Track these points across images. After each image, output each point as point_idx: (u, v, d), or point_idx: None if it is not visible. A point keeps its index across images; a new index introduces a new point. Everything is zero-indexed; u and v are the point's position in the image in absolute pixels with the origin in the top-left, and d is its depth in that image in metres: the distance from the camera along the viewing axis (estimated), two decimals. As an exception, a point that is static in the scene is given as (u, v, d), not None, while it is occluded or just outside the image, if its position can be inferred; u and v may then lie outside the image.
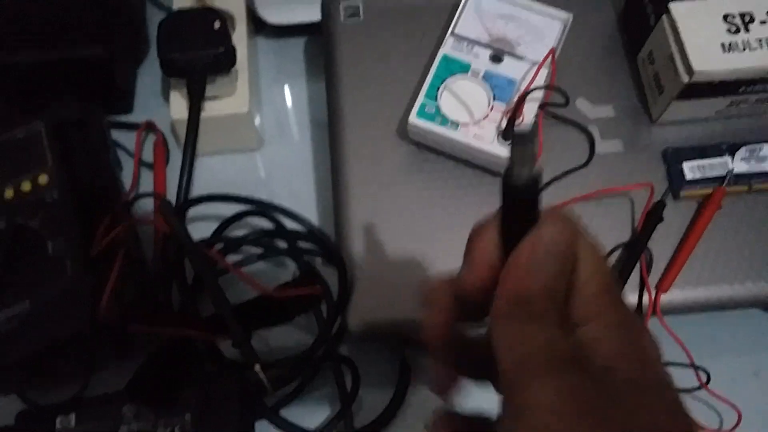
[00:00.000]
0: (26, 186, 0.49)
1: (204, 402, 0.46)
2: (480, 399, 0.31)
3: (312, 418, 0.51)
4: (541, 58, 0.49)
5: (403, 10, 0.56)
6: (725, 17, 0.48)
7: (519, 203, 0.26)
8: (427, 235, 0.50)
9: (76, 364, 0.47)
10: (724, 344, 0.54)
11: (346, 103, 0.53)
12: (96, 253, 0.46)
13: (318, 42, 0.58)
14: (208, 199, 0.52)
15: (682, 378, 0.50)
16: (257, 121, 0.61)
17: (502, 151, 0.48)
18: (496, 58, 0.50)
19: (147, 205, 0.55)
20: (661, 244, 0.49)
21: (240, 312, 0.47)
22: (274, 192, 0.59)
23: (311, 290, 0.48)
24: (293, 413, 0.51)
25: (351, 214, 0.51)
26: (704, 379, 0.50)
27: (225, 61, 0.53)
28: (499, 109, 0.49)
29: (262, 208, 0.53)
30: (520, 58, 0.50)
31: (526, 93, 0.47)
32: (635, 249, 0.49)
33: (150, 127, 0.59)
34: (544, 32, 0.51)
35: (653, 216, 0.49)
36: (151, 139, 0.60)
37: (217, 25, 0.53)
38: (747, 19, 0.48)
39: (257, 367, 0.45)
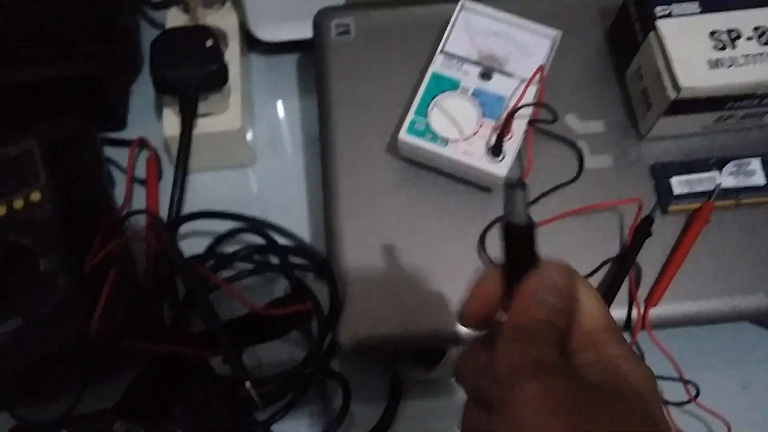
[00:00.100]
0: (19, 203, 0.49)
1: (195, 418, 0.46)
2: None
3: (303, 434, 0.51)
4: (530, 75, 0.49)
5: (393, 28, 0.56)
6: (712, 34, 0.49)
7: (519, 242, 0.29)
8: (417, 250, 0.50)
9: (67, 380, 0.48)
10: (713, 358, 0.55)
11: (338, 120, 0.54)
12: (88, 270, 0.47)
13: (310, 58, 0.58)
14: (199, 216, 0.53)
15: (672, 392, 0.50)
16: (250, 137, 0.61)
17: (491, 167, 0.49)
18: (486, 75, 0.51)
19: (139, 221, 0.56)
20: (650, 259, 0.50)
21: (231, 328, 0.47)
22: (266, 207, 0.60)
23: (301, 307, 0.48)
24: (285, 429, 0.51)
25: (342, 229, 0.51)
26: (694, 392, 0.50)
27: (217, 79, 0.54)
28: (489, 126, 0.49)
29: (253, 225, 0.53)
30: (509, 75, 0.50)
31: (515, 110, 0.48)
32: (624, 264, 0.49)
33: (143, 143, 0.60)
34: (533, 49, 0.51)
35: (642, 231, 0.50)
36: (144, 155, 0.61)
37: (209, 43, 0.54)
38: (734, 36, 0.49)
39: (248, 384, 0.45)
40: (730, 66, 0.48)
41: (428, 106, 0.50)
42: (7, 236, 0.47)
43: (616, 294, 0.49)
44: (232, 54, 0.60)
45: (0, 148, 0.51)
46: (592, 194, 0.51)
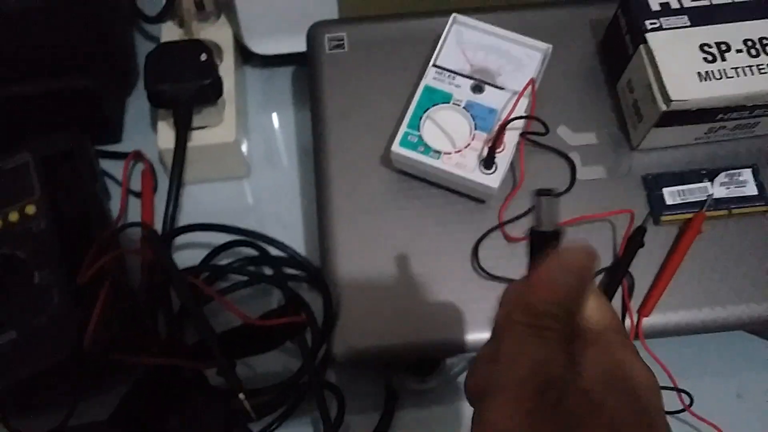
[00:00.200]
0: (14, 216, 0.49)
1: (189, 430, 0.46)
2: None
3: (298, 445, 0.51)
4: (522, 88, 0.50)
5: (386, 41, 0.57)
6: (702, 47, 0.49)
7: (546, 250, 0.30)
8: (411, 261, 0.51)
9: (61, 392, 0.47)
10: (707, 367, 0.55)
11: (331, 132, 0.54)
12: (82, 283, 0.47)
13: (305, 71, 0.59)
14: (193, 229, 0.53)
15: (666, 401, 0.50)
16: (245, 149, 0.62)
17: (483, 178, 0.49)
18: (478, 88, 0.51)
19: (134, 233, 0.56)
20: (643, 269, 0.50)
21: (225, 340, 0.47)
22: (262, 219, 0.60)
23: (295, 318, 0.49)
24: (279, 440, 0.51)
25: (336, 241, 0.51)
26: (687, 401, 0.50)
27: (211, 92, 0.54)
28: (481, 138, 0.50)
29: (246, 237, 0.53)
30: (500, 88, 0.51)
31: (507, 122, 0.48)
32: (616, 274, 0.50)
33: (138, 156, 0.60)
34: (524, 63, 0.52)
35: (634, 241, 0.50)
36: (139, 168, 0.61)
37: (203, 57, 0.54)
38: (723, 48, 0.49)
39: (241, 395, 0.45)
40: (720, 78, 0.48)
41: (421, 118, 0.50)
42: (2, 249, 0.48)
43: (608, 304, 0.49)
44: (227, 67, 0.60)
45: (-5, 161, 0.51)
46: (585, 205, 0.51)
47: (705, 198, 0.51)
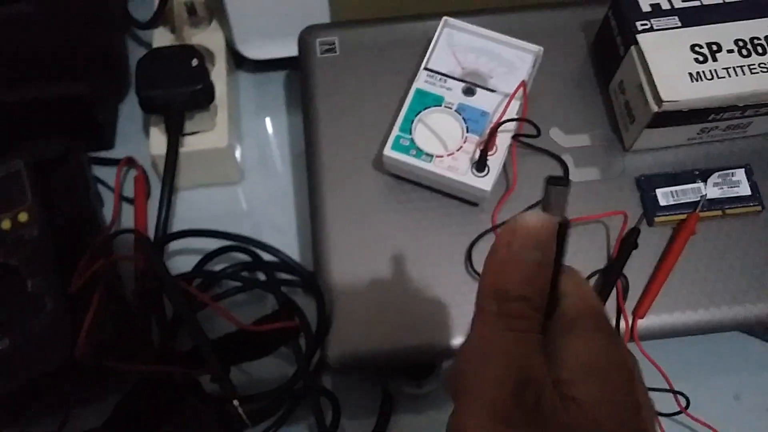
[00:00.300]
0: (6, 224, 0.49)
1: (183, 437, 0.46)
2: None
3: (293, 451, 0.51)
4: (513, 91, 0.50)
5: (378, 45, 0.57)
6: (693, 47, 0.49)
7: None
8: (405, 265, 0.51)
9: (55, 400, 0.47)
10: (703, 368, 0.55)
11: (323, 136, 0.54)
12: (74, 290, 0.47)
13: (298, 75, 0.59)
14: (185, 235, 0.53)
15: (662, 403, 0.50)
16: (238, 153, 0.62)
17: (475, 181, 0.49)
18: (469, 90, 0.51)
19: (127, 240, 0.56)
20: (637, 271, 0.50)
21: (219, 346, 0.47)
22: (256, 223, 0.60)
23: (288, 324, 0.49)
24: (274, 447, 0.51)
25: (329, 245, 0.51)
26: (684, 403, 0.50)
27: (203, 98, 0.54)
28: (473, 141, 0.50)
29: (239, 242, 0.53)
30: (492, 90, 0.51)
31: (498, 125, 0.48)
32: (611, 275, 0.49)
33: (130, 162, 0.60)
34: (515, 65, 0.52)
35: (628, 242, 0.50)
36: (132, 174, 0.61)
37: (194, 62, 0.54)
38: (714, 49, 0.49)
39: (236, 402, 0.45)
40: (712, 79, 0.48)
41: (412, 122, 0.50)
42: (-6, 257, 0.47)
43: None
44: (219, 72, 0.60)
45: (-13, 169, 0.51)
46: (578, 207, 0.51)
47: (698, 199, 0.51)
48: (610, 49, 0.53)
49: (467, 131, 0.50)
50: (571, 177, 0.52)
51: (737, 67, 0.48)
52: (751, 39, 0.49)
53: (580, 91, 0.55)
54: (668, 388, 0.49)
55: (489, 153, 0.49)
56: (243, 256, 0.55)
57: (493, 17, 0.56)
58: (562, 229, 0.27)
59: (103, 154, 0.62)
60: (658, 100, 0.48)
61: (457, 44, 0.53)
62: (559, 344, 0.28)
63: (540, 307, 0.27)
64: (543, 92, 0.54)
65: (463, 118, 0.50)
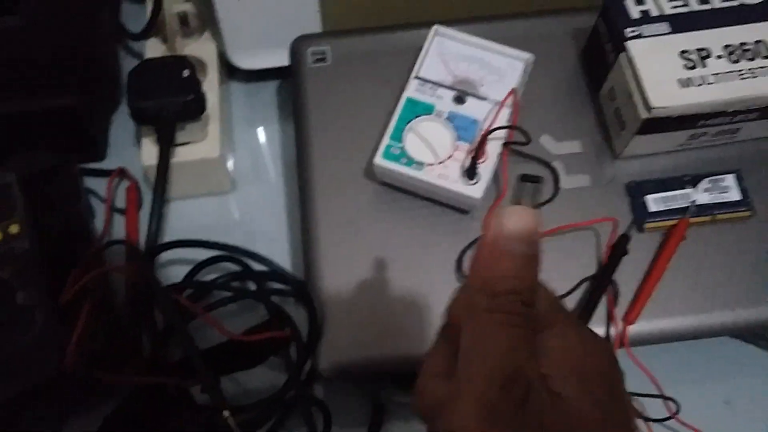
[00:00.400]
0: (-3, 236, 0.49)
1: (175, 448, 0.46)
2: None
3: (285, 462, 0.51)
4: (503, 98, 0.50)
5: (368, 54, 0.57)
6: (682, 53, 0.49)
7: None
8: (396, 274, 0.51)
9: (45, 412, 0.47)
10: (693, 373, 0.55)
11: (315, 145, 0.54)
12: (65, 302, 0.46)
13: (290, 85, 0.59)
14: (175, 245, 0.53)
15: (653, 409, 0.50)
16: (230, 163, 0.62)
17: (466, 189, 0.49)
18: (459, 99, 0.51)
19: (119, 251, 0.56)
20: (627, 277, 0.50)
21: (209, 357, 0.47)
22: (248, 233, 0.60)
23: (279, 333, 0.48)
24: (266, 457, 0.51)
25: (320, 254, 0.51)
26: (674, 409, 0.50)
27: (194, 108, 0.54)
28: (463, 149, 0.50)
29: (230, 252, 0.53)
30: (482, 98, 0.51)
31: (488, 133, 0.48)
32: (601, 282, 0.49)
33: (122, 173, 0.60)
34: (506, 73, 0.52)
35: (618, 249, 0.50)
36: (124, 185, 0.61)
37: (186, 73, 0.54)
38: (703, 55, 0.49)
39: (226, 413, 0.45)
40: (701, 84, 0.48)
41: (403, 130, 0.50)
42: (-15, 269, 0.47)
43: (593, 312, 0.49)
44: (211, 82, 0.60)
45: (-22, 181, 0.51)
46: (569, 214, 0.51)
47: (688, 204, 0.51)
48: (599, 56, 0.53)
49: (458, 139, 0.50)
50: (561, 184, 0.52)
51: (727, 72, 0.49)
52: (741, 44, 0.50)
53: (570, 98, 0.55)
54: (659, 393, 0.49)
55: (479, 161, 0.49)
56: (234, 266, 0.55)
57: (483, 25, 0.56)
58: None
59: (95, 165, 0.62)
60: (648, 107, 0.48)
61: (447, 52, 0.53)
62: (541, 341, 0.28)
63: (530, 301, 0.27)
64: (533, 100, 0.54)
65: (453, 127, 0.50)
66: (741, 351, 0.56)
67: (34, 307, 0.47)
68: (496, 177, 0.52)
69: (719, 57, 0.49)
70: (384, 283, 0.50)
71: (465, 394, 0.26)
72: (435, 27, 0.53)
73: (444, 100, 0.51)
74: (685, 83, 0.48)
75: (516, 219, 0.27)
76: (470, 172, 0.49)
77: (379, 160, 0.50)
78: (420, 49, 0.53)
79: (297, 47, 0.58)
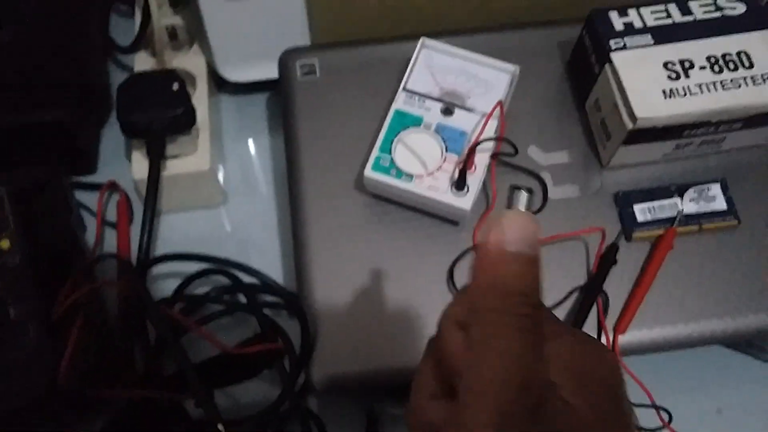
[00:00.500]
0: (-12, 251, 0.49)
1: (168, 462, 0.46)
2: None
3: (279, 474, 0.51)
4: (490, 110, 0.50)
5: (357, 67, 0.57)
6: (665, 65, 0.50)
7: None
8: (388, 285, 0.51)
9: (39, 428, 0.47)
10: (685, 382, 0.55)
11: (305, 158, 0.55)
12: (57, 317, 0.47)
13: (279, 97, 0.59)
14: (167, 259, 0.53)
15: (645, 418, 0.50)
16: (221, 176, 0.62)
17: (455, 200, 0.49)
18: (448, 111, 0.52)
19: (110, 265, 0.56)
20: (617, 286, 0.50)
21: (202, 370, 0.47)
22: (240, 245, 0.60)
23: (271, 346, 0.49)
24: (260, 470, 0.51)
25: (311, 266, 0.52)
26: (666, 418, 0.50)
27: (184, 122, 0.54)
28: (452, 160, 0.50)
29: (221, 266, 0.53)
30: (470, 110, 0.51)
31: (476, 144, 0.48)
32: (591, 292, 0.50)
33: (113, 187, 0.60)
34: (492, 85, 0.52)
35: (607, 258, 0.51)
36: (115, 198, 0.61)
37: (175, 86, 0.54)
38: (687, 66, 0.50)
39: (221, 427, 0.45)
40: (685, 95, 0.49)
41: (392, 142, 0.51)
42: (-24, 285, 0.47)
43: (584, 322, 0.49)
44: (200, 95, 0.60)
45: (-31, 197, 0.51)
46: (557, 224, 0.52)
47: (675, 214, 0.52)
48: (585, 67, 0.54)
49: (446, 151, 0.50)
50: (549, 194, 0.53)
51: (710, 83, 0.49)
52: (723, 55, 0.50)
53: (556, 110, 0.56)
54: (650, 403, 0.50)
55: (468, 172, 0.49)
56: (225, 279, 0.55)
57: (470, 37, 0.57)
58: None
59: (86, 178, 0.62)
60: (633, 118, 0.48)
61: (435, 65, 0.53)
62: (548, 347, 0.27)
63: (538, 303, 0.26)
64: (520, 111, 0.55)
65: (442, 138, 0.51)
66: (732, 360, 0.56)
67: (26, 322, 0.47)
68: (485, 188, 0.52)
69: (702, 68, 0.50)
70: (375, 294, 0.51)
71: (476, 401, 0.25)
72: (422, 39, 0.54)
73: (432, 112, 0.52)
74: (669, 94, 0.49)
75: (517, 222, 0.26)
76: (459, 184, 0.49)
77: (368, 172, 0.50)
78: (408, 61, 0.53)
79: (286, 60, 0.58)
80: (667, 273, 0.50)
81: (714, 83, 0.49)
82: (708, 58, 0.50)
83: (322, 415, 0.52)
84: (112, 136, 0.64)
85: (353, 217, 0.53)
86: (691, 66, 0.50)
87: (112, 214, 0.60)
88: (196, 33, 0.63)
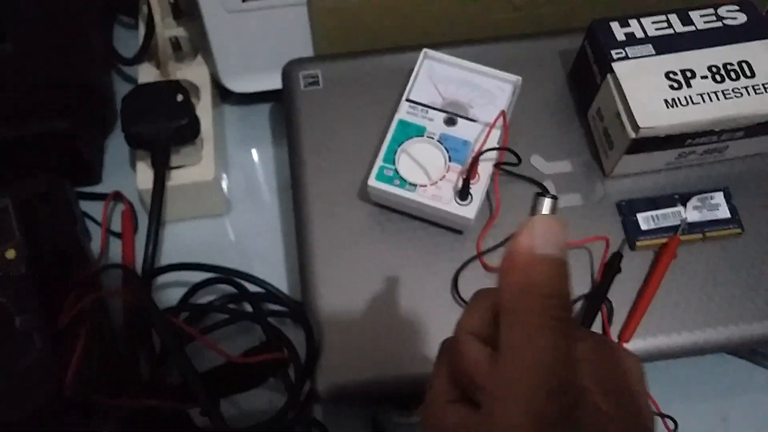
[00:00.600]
0: (-7, 261, 0.49)
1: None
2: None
3: (284, 484, 0.51)
4: (493, 120, 0.50)
5: (360, 77, 0.58)
6: (667, 74, 0.50)
7: None
8: (392, 294, 0.51)
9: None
10: (690, 391, 0.55)
11: (309, 168, 0.55)
12: (62, 326, 0.47)
13: (282, 108, 0.60)
14: (172, 269, 0.53)
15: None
16: (225, 186, 0.62)
17: (459, 209, 0.49)
18: (450, 120, 0.52)
19: (115, 274, 0.56)
20: (621, 295, 0.50)
21: (208, 379, 0.47)
22: (244, 255, 0.60)
23: (277, 355, 0.49)
24: (265, 479, 0.51)
25: (316, 275, 0.52)
26: (672, 427, 0.50)
27: (188, 132, 0.55)
28: (455, 170, 0.50)
29: (226, 275, 0.53)
30: (473, 120, 0.52)
31: (480, 154, 0.49)
32: (595, 300, 0.50)
33: (117, 197, 0.60)
34: (495, 95, 0.53)
35: (611, 267, 0.51)
36: (120, 208, 0.61)
37: (179, 97, 0.55)
38: (688, 75, 0.50)
39: (225, 436, 0.45)
40: (687, 105, 0.49)
41: (396, 152, 0.51)
42: (-18, 295, 0.47)
43: (587, 331, 0.49)
44: (204, 106, 0.61)
45: (-26, 207, 0.51)
46: (561, 233, 0.52)
47: (679, 222, 0.52)
48: (587, 77, 0.54)
49: (450, 160, 0.51)
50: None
51: (711, 92, 0.50)
52: (724, 65, 0.51)
53: (559, 119, 0.56)
54: (656, 411, 0.50)
55: (471, 181, 0.49)
56: (230, 288, 0.55)
57: (472, 48, 0.57)
58: None
59: (91, 188, 0.62)
60: (635, 127, 0.49)
61: (437, 75, 0.54)
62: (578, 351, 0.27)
63: (570, 305, 0.26)
64: (523, 121, 0.55)
65: (445, 148, 0.51)
66: (738, 367, 0.56)
67: (32, 331, 0.47)
68: (488, 197, 0.53)
69: (704, 77, 0.50)
70: (380, 303, 0.51)
71: (514, 399, 0.25)
72: (424, 50, 0.54)
73: (435, 122, 0.52)
74: (671, 103, 0.49)
75: (546, 225, 0.26)
76: (463, 193, 0.49)
77: (372, 181, 0.50)
78: (410, 72, 0.54)
79: (289, 71, 0.59)
80: (671, 281, 0.51)
81: (716, 92, 0.50)
82: (709, 68, 0.50)
83: (327, 424, 0.52)
84: (116, 146, 0.65)
85: (357, 226, 0.53)
86: (693, 75, 0.50)
87: (116, 224, 0.61)
88: (199, 44, 0.63)
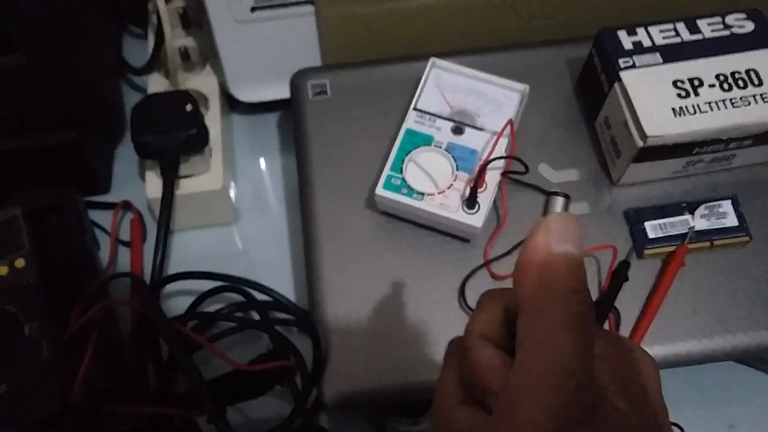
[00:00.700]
0: (3, 270, 0.49)
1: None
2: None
3: (291, 492, 0.51)
4: (501, 129, 0.51)
5: (368, 86, 0.58)
6: (675, 83, 0.50)
7: None
8: (399, 302, 0.51)
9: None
10: (697, 398, 0.55)
11: (317, 177, 0.55)
12: (71, 335, 0.47)
13: (290, 117, 0.60)
14: (180, 277, 0.53)
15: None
16: (233, 194, 0.63)
17: (466, 218, 0.49)
18: (458, 129, 0.52)
19: (124, 283, 0.56)
20: (628, 303, 0.50)
21: (215, 387, 0.48)
22: (251, 263, 0.60)
23: (284, 363, 0.49)
24: (272, 487, 0.51)
25: (323, 284, 0.52)
26: (679, 435, 0.50)
27: (197, 142, 0.55)
28: (463, 179, 0.50)
29: (233, 283, 0.54)
30: (480, 129, 0.52)
31: (487, 162, 0.49)
32: (603, 308, 0.50)
33: (126, 206, 0.61)
34: (502, 103, 0.53)
35: (619, 275, 0.51)
36: (129, 217, 0.62)
37: (189, 107, 0.55)
38: (696, 84, 0.50)
39: (232, 443, 0.45)
40: (694, 113, 0.49)
41: (403, 161, 0.51)
42: (-8, 303, 0.48)
43: (595, 339, 0.49)
44: (213, 116, 0.61)
45: (-16, 216, 0.52)
46: (568, 241, 0.52)
47: (686, 231, 0.52)
48: (594, 86, 0.54)
49: (457, 169, 0.51)
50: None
51: (719, 101, 0.50)
52: (732, 73, 0.51)
53: (566, 128, 0.56)
54: (664, 419, 0.49)
55: (479, 190, 0.49)
56: (238, 297, 0.55)
57: (480, 57, 0.57)
58: None
59: (100, 198, 0.63)
60: (643, 136, 0.49)
61: (444, 84, 0.54)
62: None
63: (591, 303, 0.26)
64: (530, 129, 0.55)
65: (452, 157, 0.51)
66: (744, 375, 0.56)
67: (41, 339, 0.47)
68: (496, 206, 0.53)
69: (711, 86, 0.50)
70: (387, 312, 0.51)
71: (535, 397, 0.24)
72: (432, 59, 0.55)
73: (443, 131, 0.52)
74: (679, 112, 0.49)
75: (562, 223, 0.26)
76: (470, 202, 0.50)
77: (380, 190, 0.51)
78: (418, 81, 0.54)
79: (297, 81, 0.59)
80: (678, 289, 0.50)
81: (723, 101, 0.50)
82: (717, 76, 0.50)
83: (334, 433, 0.52)
84: (125, 156, 0.65)
85: (365, 235, 0.53)
86: (701, 84, 0.50)
87: (125, 233, 0.61)
88: (208, 54, 0.64)
